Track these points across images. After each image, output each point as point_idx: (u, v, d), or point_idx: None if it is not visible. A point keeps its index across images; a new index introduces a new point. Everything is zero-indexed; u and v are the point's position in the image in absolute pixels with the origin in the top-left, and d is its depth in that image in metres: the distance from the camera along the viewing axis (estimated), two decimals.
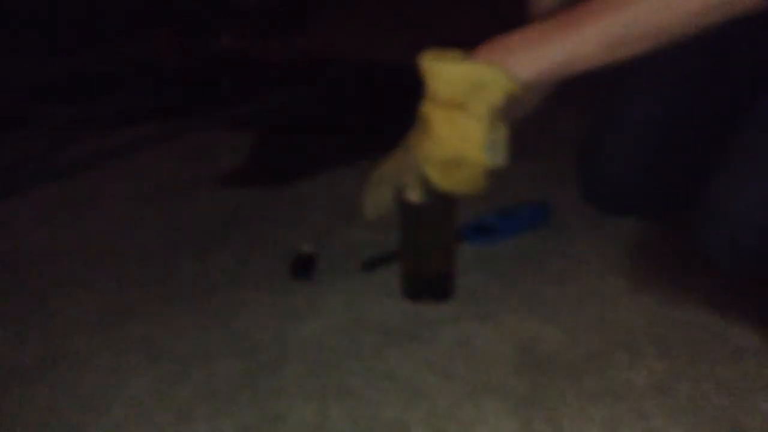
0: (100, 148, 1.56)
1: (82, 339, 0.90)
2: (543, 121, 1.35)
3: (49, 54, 2.33)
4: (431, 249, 0.91)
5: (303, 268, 0.99)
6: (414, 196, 0.86)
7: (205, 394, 0.79)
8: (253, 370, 0.82)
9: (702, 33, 0.68)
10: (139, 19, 2.56)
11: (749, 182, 0.80)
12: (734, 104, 0.91)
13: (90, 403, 0.79)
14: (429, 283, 0.92)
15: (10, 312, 0.97)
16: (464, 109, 0.72)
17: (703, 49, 0.71)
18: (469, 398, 0.75)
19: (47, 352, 0.88)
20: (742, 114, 0.86)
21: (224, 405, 0.77)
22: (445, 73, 0.72)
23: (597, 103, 1.02)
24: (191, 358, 0.85)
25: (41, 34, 2.37)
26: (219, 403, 0.77)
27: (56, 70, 2.19)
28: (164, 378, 0.82)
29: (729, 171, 0.82)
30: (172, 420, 0.75)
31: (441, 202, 0.87)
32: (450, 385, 0.77)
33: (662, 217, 1.06)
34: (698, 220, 0.84)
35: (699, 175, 0.87)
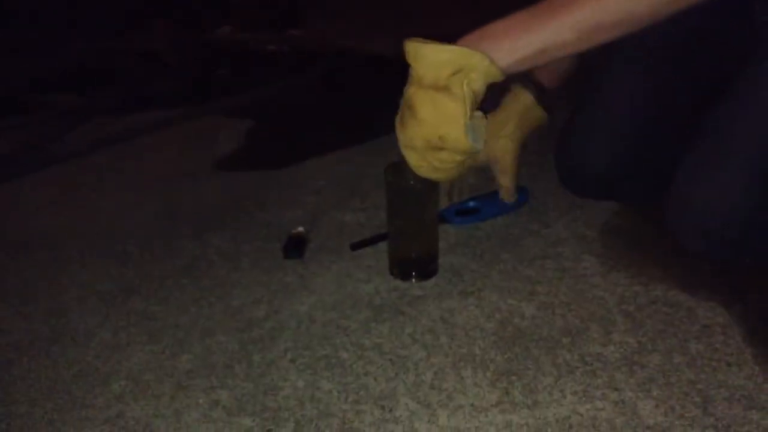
0: (102, 135, 1.58)
1: (84, 315, 0.93)
2: None
3: (51, 44, 2.34)
4: (416, 230, 0.94)
5: (295, 248, 1.03)
6: (400, 178, 0.89)
7: (202, 367, 0.82)
8: (247, 343, 0.85)
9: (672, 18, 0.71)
10: (139, 10, 2.57)
11: (715, 169, 0.81)
12: (707, 90, 0.92)
13: (91, 377, 0.82)
14: (414, 263, 0.95)
15: (15, 290, 1.01)
16: (448, 91, 0.74)
17: (676, 33, 0.73)
18: (451, 370, 0.78)
19: (51, 328, 0.92)
20: (715, 101, 0.88)
21: (221, 377, 0.80)
22: (430, 56, 0.74)
23: (574, 91, 1.03)
24: (189, 332, 0.88)
25: (44, 24, 2.38)
26: (215, 376, 0.80)
27: (59, 59, 2.20)
28: (163, 352, 0.85)
29: (696, 157, 0.83)
30: (171, 392, 0.78)
31: (426, 185, 0.89)
32: (434, 358, 0.80)
33: (638, 200, 1.08)
34: (667, 207, 0.86)
35: (674, 161, 0.89)
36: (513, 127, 1.02)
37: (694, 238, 0.84)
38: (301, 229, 1.06)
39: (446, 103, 0.74)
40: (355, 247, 1.02)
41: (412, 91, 0.77)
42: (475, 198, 1.10)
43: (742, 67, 0.87)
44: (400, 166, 0.89)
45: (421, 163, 0.80)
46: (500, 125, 1.02)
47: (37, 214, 1.25)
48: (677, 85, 0.96)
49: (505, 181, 1.04)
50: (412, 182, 0.88)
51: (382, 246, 1.00)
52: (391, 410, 0.73)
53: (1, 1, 2.30)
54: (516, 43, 0.73)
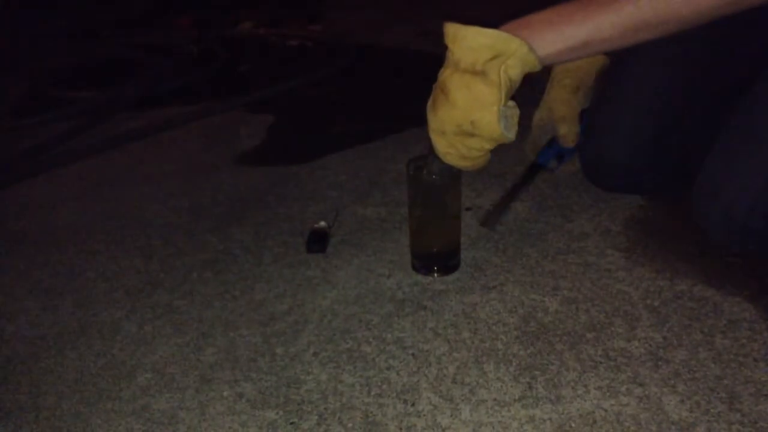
0: (124, 129, 1.60)
1: (110, 308, 0.95)
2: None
3: (75, 39, 2.37)
4: (438, 224, 0.94)
5: (317, 242, 1.03)
6: (423, 172, 0.89)
7: (226, 360, 0.83)
8: (271, 337, 0.86)
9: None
10: (161, 6, 2.59)
11: (743, 161, 0.81)
12: (734, 84, 0.91)
13: (117, 370, 0.83)
14: (436, 257, 0.95)
15: (42, 284, 1.02)
16: (484, 76, 0.73)
17: (704, 29, 0.73)
18: (474, 364, 0.78)
19: (77, 321, 0.93)
20: (741, 93, 0.87)
21: (244, 370, 0.81)
22: (470, 38, 0.73)
23: (598, 84, 1.03)
24: (213, 326, 0.89)
25: (66, 20, 2.41)
26: (239, 369, 0.81)
27: (81, 55, 2.23)
28: (188, 345, 0.86)
29: (724, 150, 0.83)
30: (196, 384, 0.79)
31: (448, 179, 0.89)
32: (456, 353, 0.80)
33: (661, 192, 1.07)
34: (694, 197, 0.85)
35: (697, 155, 0.88)
36: (561, 75, 1.01)
37: (721, 230, 0.83)
38: (323, 223, 1.06)
39: (481, 88, 0.73)
40: (488, 222, 1.03)
41: (447, 74, 0.76)
42: (544, 151, 1.10)
43: None
44: (422, 161, 0.89)
45: (449, 150, 0.79)
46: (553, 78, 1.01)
47: (62, 209, 1.26)
48: (700, 77, 0.95)
49: (563, 129, 1.04)
50: (434, 176, 0.88)
51: (405, 240, 1.00)
52: (413, 404, 0.73)
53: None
54: (557, 35, 0.72)
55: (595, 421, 0.69)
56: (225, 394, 0.77)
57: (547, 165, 1.09)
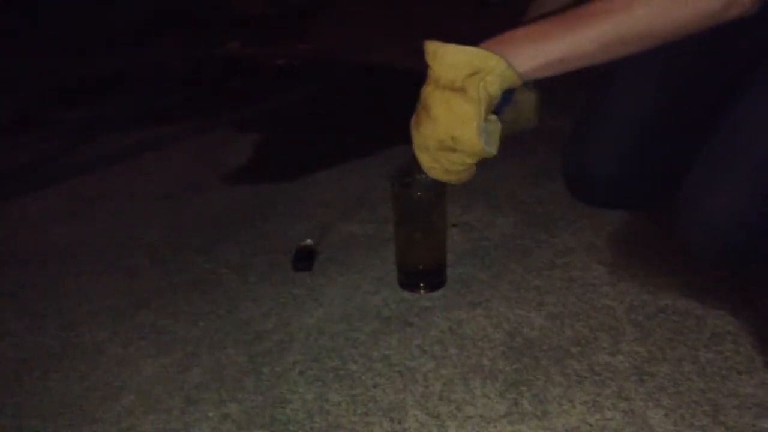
0: (113, 148, 1.60)
1: (94, 329, 0.94)
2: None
3: (63, 59, 2.37)
4: (424, 241, 0.94)
5: (303, 260, 1.03)
6: (407, 190, 0.89)
7: (212, 380, 0.82)
8: (257, 356, 0.85)
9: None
10: (149, 26, 2.60)
11: (724, 175, 0.81)
12: (716, 97, 0.92)
13: (102, 391, 0.83)
14: (422, 274, 0.95)
15: (27, 303, 1.02)
16: (463, 92, 0.74)
17: (686, 45, 0.73)
18: (460, 381, 0.78)
19: (61, 342, 0.92)
20: (723, 106, 0.88)
21: (230, 390, 0.80)
22: (449, 56, 0.73)
23: (582, 100, 1.03)
24: (198, 346, 0.89)
25: (52, 40, 2.41)
26: (225, 389, 0.80)
27: (71, 74, 2.23)
28: (173, 365, 0.85)
29: (705, 164, 0.84)
30: (181, 405, 0.79)
31: (433, 196, 0.90)
32: (443, 369, 0.80)
33: (646, 209, 1.08)
34: (676, 211, 0.85)
35: (680, 168, 0.89)
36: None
37: (704, 245, 0.84)
38: (309, 241, 1.07)
39: (461, 104, 0.74)
40: None
41: (428, 91, 0.76)
42: None
43: (751, 75, 0.87)
44: (407, 177, 0.89)
45: (433, 164, 0.80)
46: None
47: (47, 228, 1.26)
48: (683, 93, 0.96)
49: None
50: (419, 193, 0.88)
51: (391, 257, 1.00)
52: (400, 422, 0.73)
53: (10, 18, 2.34)
54: (536, 51, 0.73)
55: None
56: (210, 414, 0.77)
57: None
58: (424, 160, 0.80)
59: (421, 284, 0.95)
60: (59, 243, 1.19)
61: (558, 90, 0.97)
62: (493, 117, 0.77)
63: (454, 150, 0.77)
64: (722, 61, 0.95)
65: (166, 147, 1.61)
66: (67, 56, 2.39)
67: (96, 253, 1.14)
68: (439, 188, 0.89)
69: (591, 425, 0.70)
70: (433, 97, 0.75)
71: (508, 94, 0.99)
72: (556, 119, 1.04)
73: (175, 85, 2.06)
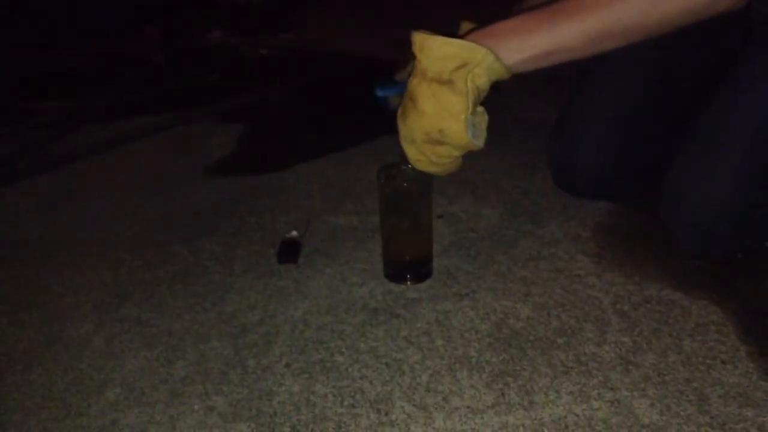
0: (94, 140, 1.58)
1: (77, 323, 0.93)
2: (516, 111, 1.39)
3: (41, 50, 2.34)
4: (410, 232, 0.94)
5: (289, 252, 1.02)
6: (393, 181, 0.89)
7: (197, 373, 0.82)
8: (242, 349, 0.85)
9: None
10: (130, 15, 2.57)
11: (707, 164, 0.82)
12: (696, 87, 0.93)
13: (85, 385, 0.82)
14: (408, 265, 0.95)
15: (9, 298, 1.00)
16: (451, 85, 0.73)
17: (669, 37, 0.74)
18: (447, 372, 0.78)
19: (44, 336, 0.91)
20: (705, 99, 0.89)
21: (215, 383, 0.80)
22: (436, 48, 0.73)
23: (566, 93, 1.03)
24: (183, 339, 0.88)
25: (34, 30, 2.37)
26: (210, 382, 0.80)
27: (50, 65, 2.20)
28: (157, 358, 0.85)
29: (689, 156, 0.84)
30: (166, 399, 0.78)
31: (419, 188, 0.89)
32: (429, 360, 0.80)
33: (631, 199, 1.08)
34: (661, 202, 0.86)
35: (665, 160, 0.90)
36: None
37: (687, 233, 0.85)
38: (294, 233, 1.06)
39: (448, 97, 0.73)
40: None
41: (415, 83, 0.76)
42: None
43: (733, 63, 0.87)
44: (393, 169, 0.89)
45: (420, 157, 0.80)
46: None
47: (28, 221, 1.24)
48: (666, 82, 0.97)
49: None
50: (405, 185, 0.88)
51: (377, 249, 1.00)
52: (386, 413, 0.73)
53: None
54: (523, 43, 0.73)
55: (567, 426, 0.70)
56: (196, 407, 0.76)
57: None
58: (411, 152, 0.80)
59: (408, 276, 0.95)
60: (39, 236, 1.18)
61: (542, 82, 0.96)
62: (481, 109, 0.77)
63: (441, 143, 0.76)
64: (704, 53, 0.96)
65: (148, 139, 1.59)
66: (44, 47, 2.36)
67: (77, 247, 1.12)
68: (425, 179, 0.88)
69: (577, 415, 0.71)
70: (420, 89, 0.75)
71: (400, 85, 0.94)
72: (542, 112, 1.04)
73: (156, 75, 2.04)
